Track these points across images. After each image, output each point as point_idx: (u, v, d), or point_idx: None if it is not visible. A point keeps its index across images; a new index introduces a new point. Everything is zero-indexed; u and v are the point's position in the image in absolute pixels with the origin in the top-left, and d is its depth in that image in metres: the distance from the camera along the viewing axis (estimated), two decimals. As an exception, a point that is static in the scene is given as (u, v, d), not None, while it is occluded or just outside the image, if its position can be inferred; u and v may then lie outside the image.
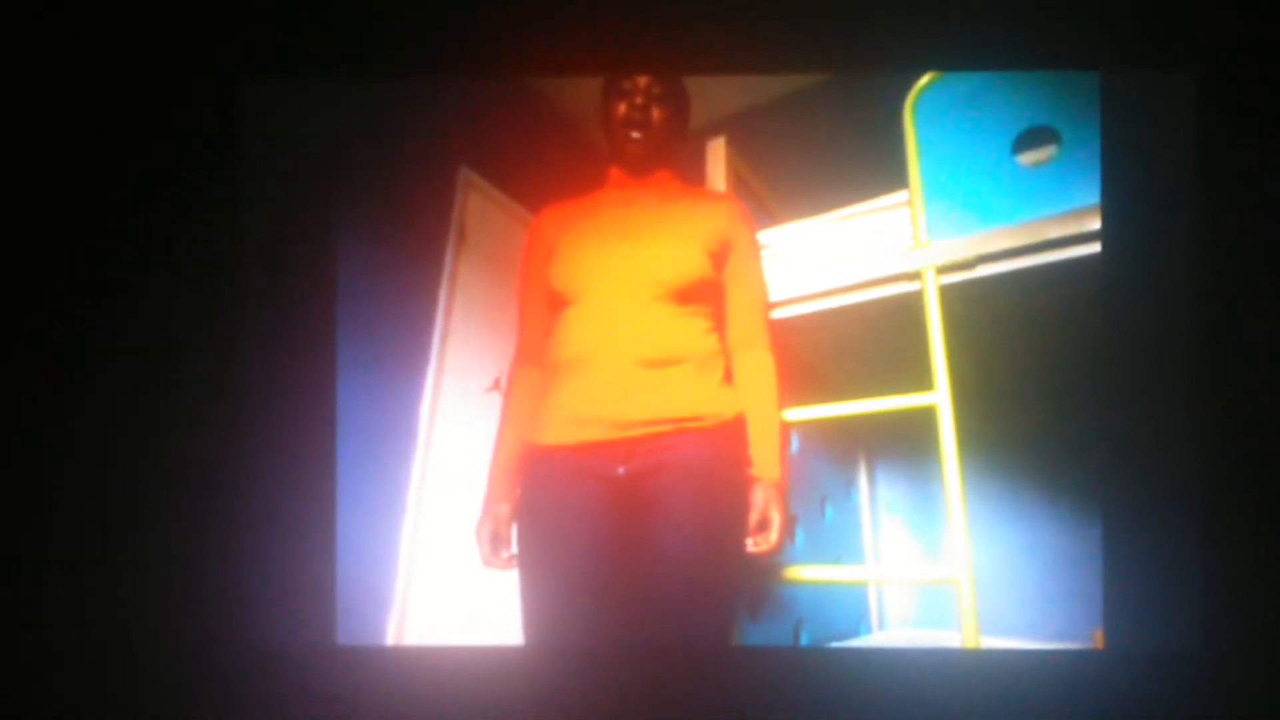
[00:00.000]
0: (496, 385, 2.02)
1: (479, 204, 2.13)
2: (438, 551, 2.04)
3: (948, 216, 1.97)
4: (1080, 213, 1.85)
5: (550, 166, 2.05)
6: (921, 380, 1.94)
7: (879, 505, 2.21)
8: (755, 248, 1.94)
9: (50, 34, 1.94)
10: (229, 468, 1.90)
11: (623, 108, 1.84)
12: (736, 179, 2.14)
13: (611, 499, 1.75)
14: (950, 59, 1.93)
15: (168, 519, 1.90)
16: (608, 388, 1.73)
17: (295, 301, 1.95)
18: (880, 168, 2.03)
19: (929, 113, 1.99)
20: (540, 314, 1.90)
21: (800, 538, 2.10)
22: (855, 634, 2.14)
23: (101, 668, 1.90)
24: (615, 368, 1.73)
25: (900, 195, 2.03)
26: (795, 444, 2.17)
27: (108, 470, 1.91)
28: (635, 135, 1.83)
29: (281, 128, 1.96)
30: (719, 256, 1.85)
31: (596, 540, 1.74)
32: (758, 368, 1.87)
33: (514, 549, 1.86)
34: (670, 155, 1.92)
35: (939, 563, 1.95)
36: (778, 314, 2.09)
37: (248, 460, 1.91)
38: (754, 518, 1.77)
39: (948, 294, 1.96)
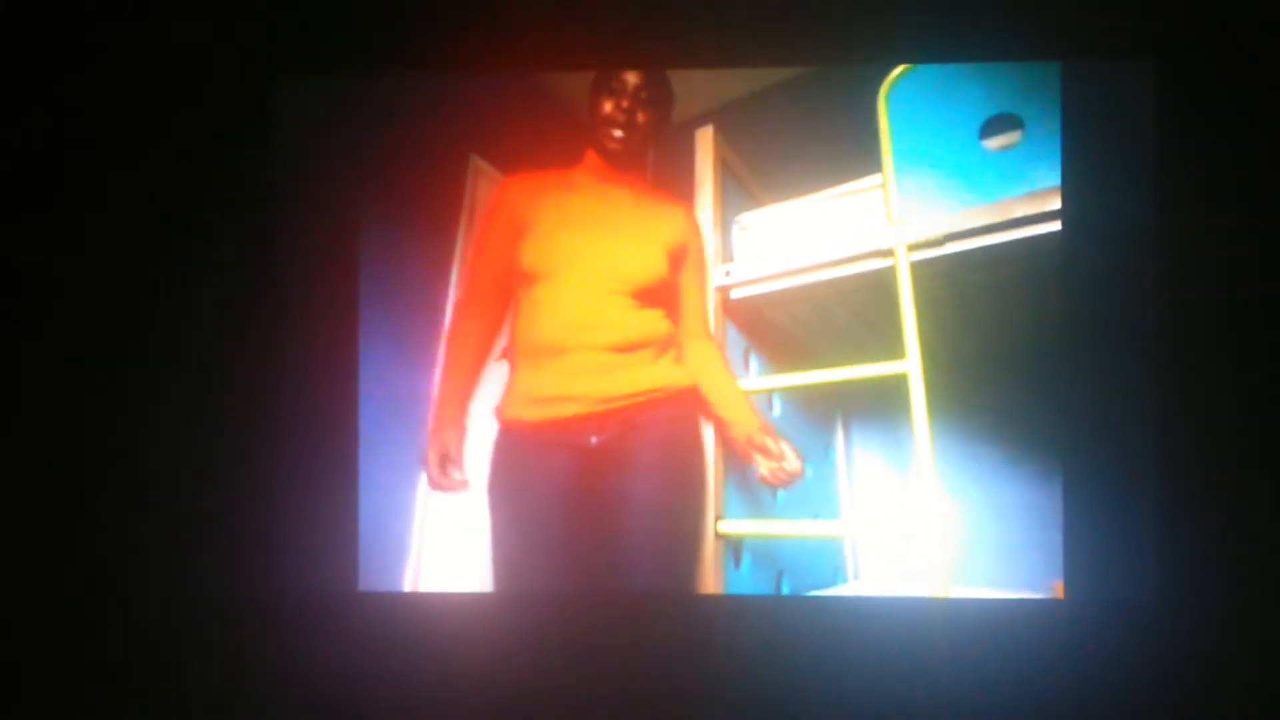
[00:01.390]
0: (503, 355, 2.08)
1: (488, 189, 2.18)
2: (450, 505, 2.09)
3: (918, 197, 1.99)
4: (1042, 194, 1.87)
5: (551, 153, 2.09)
6: (894, 349, 1.96)
7: (854, 464, 2.26)
8: (704, 252, 2.03)
9: (88, 34, 1.97)
10: (263, 431, 1.95)
11: (609, 106, 1.87)
12: (723, 165, 2.17)
13: (586, 465, 1.83)
14: (921, 51, 1.94)
15: (207, 477, 1.95)
16: (584, 370, 1.80)
17: (322, 279, 1.99)
18: (856, 153, 2.04)
19: (901, 102, 2.00)
20: (497, 276, 1.93)
21: (781, 495, 2.14)
22: (832, 583, 2.18)
23: (142, 610, 1.95)
24: (590, 353, 1.80)
25: (874, 178, 2.05)
26: (778, 408, 2.21)
27: (154, 431, 1.96)
28: (618, 134, 1.87)
29: (308, 122, 1.99)
30: (676, 260, 1.92)
31: (574, 500, 1.82)
32: (710, 353, 1.98)
33: (464, 471, 1.90)
34: (646, 153, 1.96)
35: (910, 518, 1.99)
36: (762, 288, 2.13)
37: (279, 424, 1.95)
38: (771, 457, 1.83)
39: (918, 269, 1.97)
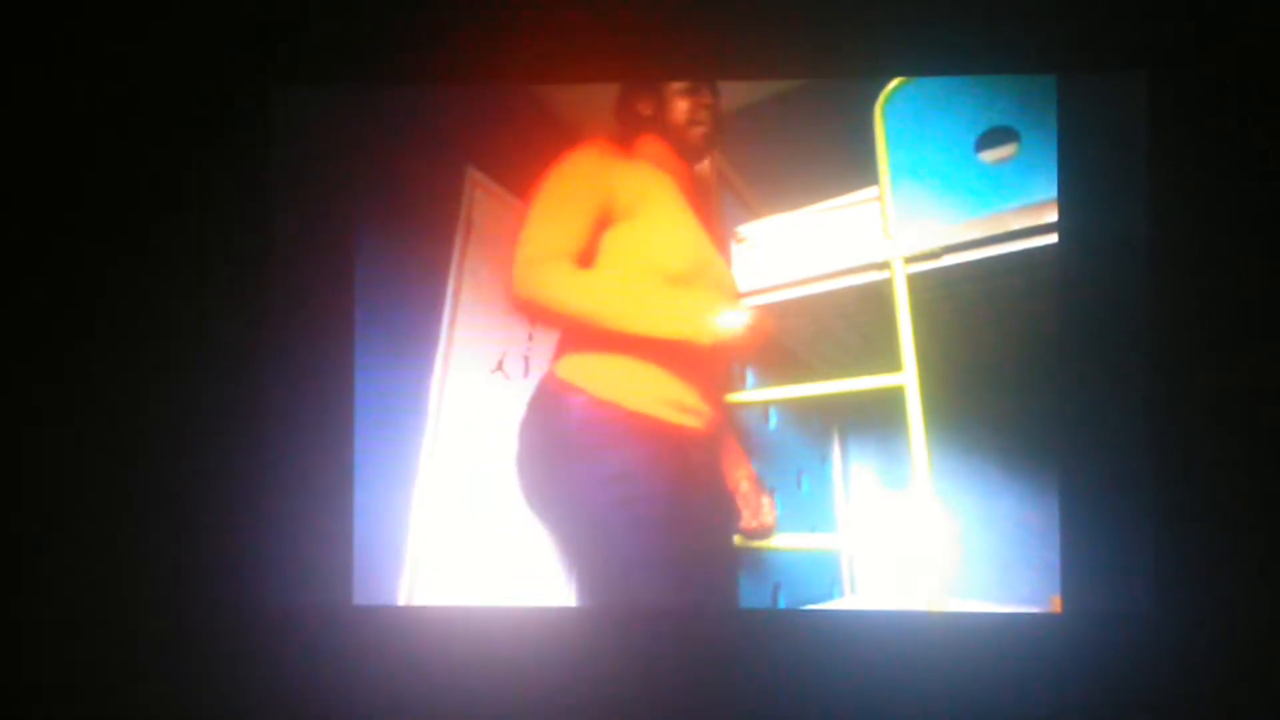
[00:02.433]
0: (499, 366, 2.03)
1: (484, 200, 2.15)
2: (446, 518, 2.05)
3: (915, 210, 1.97)
4: (1038, 206, 1.86)
5: (549, 165, 2.06)
6: (891, 361, 1.95)
7: (851, 478, 2.23)
8: None
9: (94, 48, 1.97)
10: (257, 443, 1.93)
11: (687, 105, 1.91)
12: (720, 177, 2.16)
13: (707, 476, 1.88)
14: (917, 64, 1.94)
15: (200, 489, 1.93)
16: (718, 385, 1.87)
17: (318, 290, 1.98)
18: (853, 166, 2.02)
19: (897, 114, 1.99)
20: (592, 233, 1.87)
21: (778, 509, 2.11)
22: (829, 597, 2.15)
23: (134, 625, 1.93)
24: (722, 368, 1.88)
25: (871, 191, 2.03)
26: (774, 420, 2.19)
27: (146, 442, 1.94)
28: (704, 131, 1.92)
29: (306, 132, 1.98)
30: None
31: (706, 510, 1.87)
32: None
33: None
34: None
35: (906, 531, 1.96)
36: (758, 300, 2.10)
37: (274, 436, 1.94)
38: (749, 508, 1.95)
39: (915, 282, 1.96)
